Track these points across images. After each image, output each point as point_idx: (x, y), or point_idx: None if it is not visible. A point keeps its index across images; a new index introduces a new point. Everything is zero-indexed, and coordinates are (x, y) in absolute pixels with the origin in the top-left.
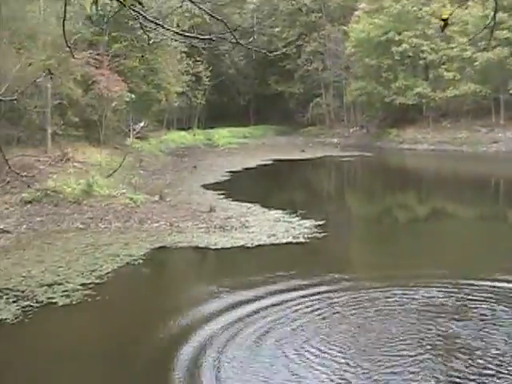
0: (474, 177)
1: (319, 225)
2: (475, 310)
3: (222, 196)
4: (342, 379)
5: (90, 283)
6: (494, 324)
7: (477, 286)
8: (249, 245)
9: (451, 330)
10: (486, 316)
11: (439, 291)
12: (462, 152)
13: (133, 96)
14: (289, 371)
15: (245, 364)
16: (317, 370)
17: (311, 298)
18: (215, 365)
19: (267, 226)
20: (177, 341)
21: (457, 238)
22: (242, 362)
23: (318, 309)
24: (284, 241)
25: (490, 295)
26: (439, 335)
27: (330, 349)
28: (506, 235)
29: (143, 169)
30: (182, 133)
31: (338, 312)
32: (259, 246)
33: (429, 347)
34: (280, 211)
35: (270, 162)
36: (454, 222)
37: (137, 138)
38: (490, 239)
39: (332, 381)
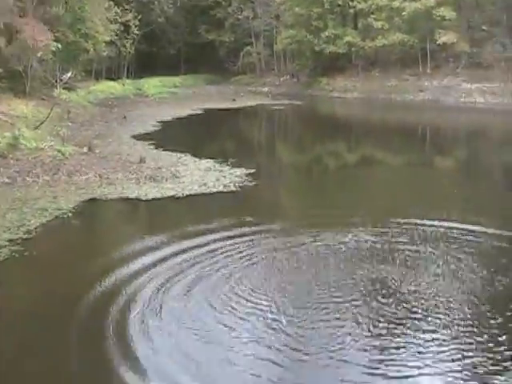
0: (401, 124)
1: (250, 173)
2: (404, 253)
3: (152, 146)
4: (271, 328)
5: (17, 239)
6: (422, 266)
7: (405, 228)
8: (180, 195)
9: (381, 274)
10: (414, 258)
11: (369, 235)
12: (391, 100)
13: (59, 45)
14: (217, 322)
15: (173, 315)
16: (244, 319)
17: (242, 244)
18: (143, 318)
19: (198, 175)
20: (106, 294)
21: (385, 183)
22: (170, 312)
23: (248, 255)
24: (215, 190)
25: (417, 237)
26: (369, 279)
27: (259, 297)
28: (433, 180)
29: (71, 120)
30: (111, 83)
31: (267, 258)
32: (190, 195)
33: (358, 291)
34: (211, 160)
35: (200, 112)
36: (382, 169)
37: (64, 88)
38: (417, 184)
39: (258, 329)
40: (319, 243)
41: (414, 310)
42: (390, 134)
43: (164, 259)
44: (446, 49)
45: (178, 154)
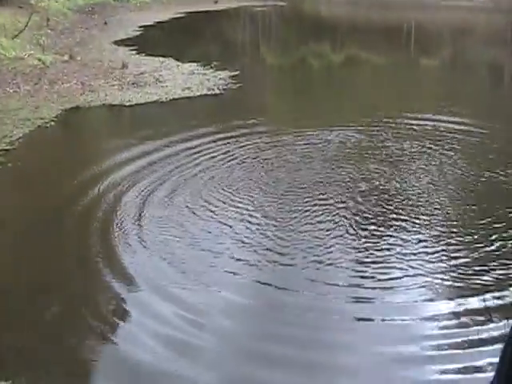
0: (386, 24)
1: (234, 76)
2: (389, 149)
3: (134, 52)
4: (254, 232)
5: (0, 150)
6: (408, 163)
7: (391, 126)
8: (163, 99)
9: (366, 172)
10: (400, 154)
11: (354, 132)
12: None
13: None
14: (198, 228)
15: (153, 222)
16: (226, 224)
17: (225, 146)
18: (125, 225)
19: (181, 79)
20: (90, 201)
21: (371, 82)
22: (152, 218)
23: (233, 155)
24: (198, 93)
25: (403, 134)
26: (354, 178)
27: (242, 199)
28: (417, 78)
29: (51, 28)
30: None
31: (250, 158)
32: (174, 99)
33: (342, 191)
34: (194, 64)
35: (183, 15)
36: (367, 68)
37: None
38: (401, 83)
39: (241, 234)
40: (304, 142)
41: (400, 210)
42: (375, 34)
43: (147, 166)
44: None
45: (161, 59)
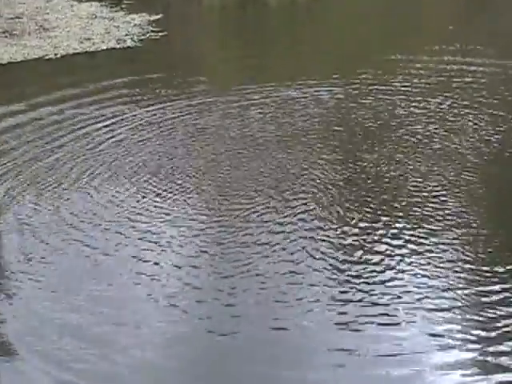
0: None
1: (155, 20)
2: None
3: None
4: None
5: None
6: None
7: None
8: (51, 55)
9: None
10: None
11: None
12: None
13: None
14: None
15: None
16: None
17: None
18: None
19: (78, 26)
20: None
21: (344, 24)
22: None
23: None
24: (104, 47)
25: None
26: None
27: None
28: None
29: None
30: None
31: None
32: (67, 55)
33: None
34: (96, 3)
35: None
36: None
37: None
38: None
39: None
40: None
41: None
42: None
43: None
44: None
45: None
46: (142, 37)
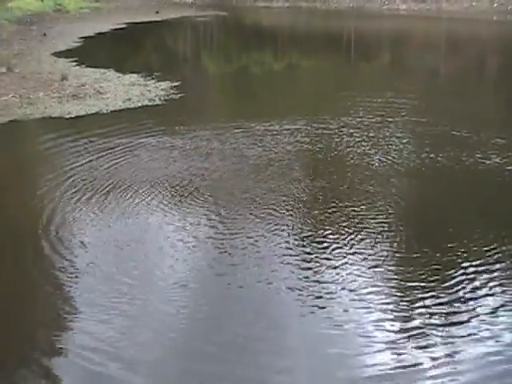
0: (326, 32)
1: (176, 86)
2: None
3: (74, 63)
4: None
5: None
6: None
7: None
8: (104, 111)
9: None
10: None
11: (301, 129)
12: (316, 8)
13: None
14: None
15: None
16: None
17: (162, 145)
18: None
19: (122, 91)
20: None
21: (310, 87)
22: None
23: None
24: (140, 104)
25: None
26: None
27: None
28: (354, 80)
29: None
30: (29, 0)
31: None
32: (115, 111)
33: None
34: (135, 75)
35: (124, 26)
36: (309, 73)
37: None
38: (339, 85)
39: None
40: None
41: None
42: (316, 41)
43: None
44: None
45: (102, 70)
46: (167, 97)
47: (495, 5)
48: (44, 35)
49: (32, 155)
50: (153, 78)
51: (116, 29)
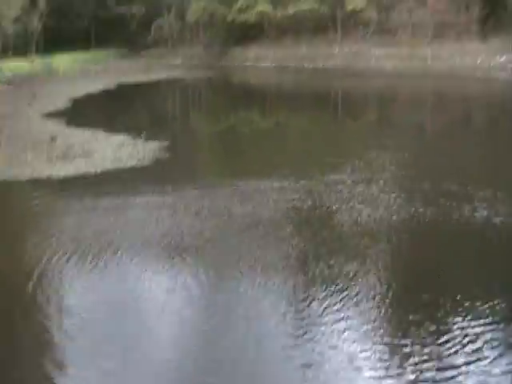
0: (313, 90)
1: (164, 146)
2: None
3: (63, 124)
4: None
5: None
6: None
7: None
8: (92, 171)
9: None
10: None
11: (289, 186)
12: (303, 67)
13: None
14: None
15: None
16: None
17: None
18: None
19: (111, 151)
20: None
21: (298, 144)
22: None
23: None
24: (129, 164)
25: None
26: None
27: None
28: (341, 137)
29: None
30: (20, 61)
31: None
32: (103, 172)
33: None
34: (124, 135)
35: (113, 87)
36: (296, 131)
37: None
38: (326, 143)
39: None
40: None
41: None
42: (303, 100)
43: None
44: (354, 16)
45: (91, 131)
46: (155, 157)
47: (478, 61)
48: (34, 96)
49: (19, 216)
50: (141, 138)
51: (105, 90)
